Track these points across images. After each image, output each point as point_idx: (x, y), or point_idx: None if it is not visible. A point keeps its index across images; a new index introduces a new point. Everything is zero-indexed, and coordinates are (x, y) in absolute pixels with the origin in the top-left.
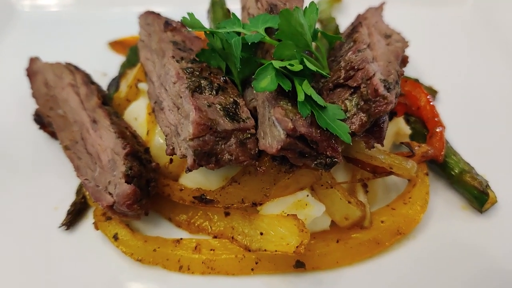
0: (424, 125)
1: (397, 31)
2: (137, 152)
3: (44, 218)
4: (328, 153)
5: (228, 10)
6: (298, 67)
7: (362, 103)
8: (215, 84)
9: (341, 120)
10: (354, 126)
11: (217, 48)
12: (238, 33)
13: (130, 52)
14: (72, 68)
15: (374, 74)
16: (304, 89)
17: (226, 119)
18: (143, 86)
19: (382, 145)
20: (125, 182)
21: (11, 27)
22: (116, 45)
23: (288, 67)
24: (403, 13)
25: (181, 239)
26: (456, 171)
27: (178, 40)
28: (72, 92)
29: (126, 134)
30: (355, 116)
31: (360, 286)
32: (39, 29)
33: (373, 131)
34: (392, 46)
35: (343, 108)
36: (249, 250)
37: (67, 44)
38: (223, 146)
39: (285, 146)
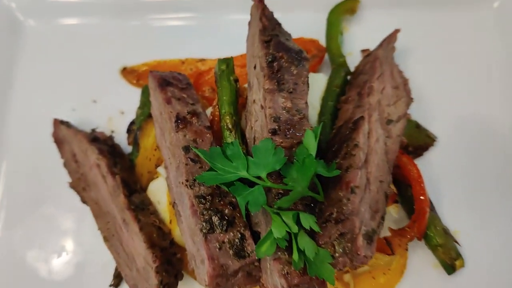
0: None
1: (404, 84)
2: (166, 258)
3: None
4: (316, 286)
5: (236, 80)
6: (294, 229)
7: (347, 250)
8: (224, 220)
9: (329, 262)
10: (339, 266)
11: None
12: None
13: (144, 95)
14: (95, 148)
15: (359, 232)
16: (299, 244)
17: (235, 258)
18: (161, 171)
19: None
20: None
21: (20, 48)
22: (127, 74)
23: (288, 229)
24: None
25: None
26: (432, 243)
27: (191, 143)
28: (100, 177)
29: (153, 237)
30: (341, 258)
31: None
32: (47, 48)
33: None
34: (391, 140)
35: (331, 251)
36: None
37: (80, 68)
38: (232, 281)
39: None
